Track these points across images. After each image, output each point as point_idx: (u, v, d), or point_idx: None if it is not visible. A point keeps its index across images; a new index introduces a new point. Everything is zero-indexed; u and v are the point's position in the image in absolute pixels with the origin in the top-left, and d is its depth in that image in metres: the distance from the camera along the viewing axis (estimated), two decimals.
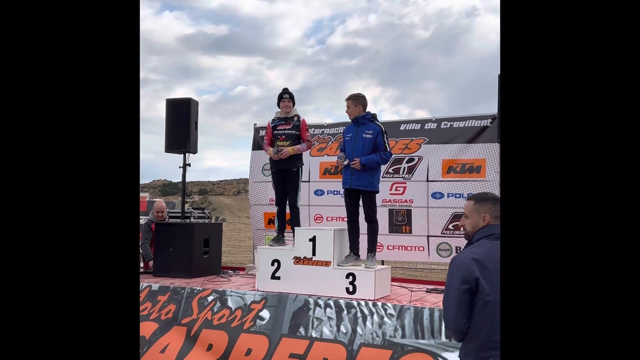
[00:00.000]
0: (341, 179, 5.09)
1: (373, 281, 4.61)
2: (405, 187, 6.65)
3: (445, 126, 6.61)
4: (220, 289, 5.03)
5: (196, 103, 6.49)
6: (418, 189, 6.57)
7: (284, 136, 5.47)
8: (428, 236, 6.55)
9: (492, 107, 6.32)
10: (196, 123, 6.44)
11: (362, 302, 4.42)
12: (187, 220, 6.31)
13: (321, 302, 4.53)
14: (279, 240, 5.48)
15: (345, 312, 4.41)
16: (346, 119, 5.17)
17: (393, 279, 5.31)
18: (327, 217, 7.09)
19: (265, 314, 4.65)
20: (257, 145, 7.61)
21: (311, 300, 4.57)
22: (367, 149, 4.89)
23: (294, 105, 5.59)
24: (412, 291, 5.02)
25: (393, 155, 6.40)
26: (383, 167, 5.87)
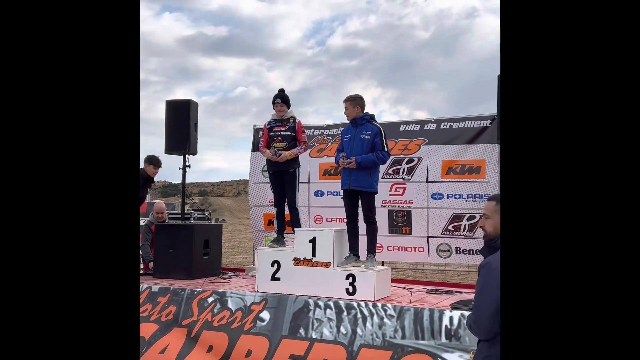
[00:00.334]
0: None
1: (373, 282, 4.61)
2: (405, 188, 6.65)
3: (444, 127, 6.61)
4: (221, 290, 5.03)
5: (196, 104, 6.50)
6: (418, 189, 6.57)
7: (280, 138, 5.48)
8: (428, 237, 6.55)
9: (491, 107, 6.32)
10: (196, 124, 6.44)
11: (362, 303, 4.42)
12: (187, 222, 6.32)
13: (321, 303, 4.53)
14: (279, 241, 5.48)
15: (345, 313, 4.41)
16: (346, 120, 5.17)
17: (393, 280, 5.31)
18: (327, 218, 7.09)
19: (266, 315, 4.65)
20: (256, 147, 7.60)
21: (311, 302, 4.57)
22: (366, 150, 4.89)
23: (289, 108, 5.59)
24: (412, 292, 5.02)
25: (393, 157, 6.40)
26: (383, 168, 5.87)
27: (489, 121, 6.32)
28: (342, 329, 4.33)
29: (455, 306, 4.24)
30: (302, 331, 4.44)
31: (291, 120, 5.54)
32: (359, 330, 4.28)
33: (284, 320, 4.56)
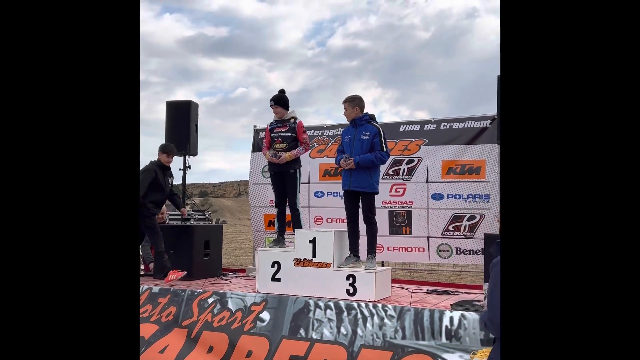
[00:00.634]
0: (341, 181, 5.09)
1: (373, 282, 4.61)
2: (405, 189, 6.65)
3: (444, 127, 6.61)
4: (221, 291, 5.03)
5: (196, 105, 6.51)
6: (418, 190, 6.57)
7: (280, 139, 5.48)
8: (428, 237, 6.55)
9: (491, 108, 6.32)
10: (196, 125, 6.46)
11: (363, 304, 4.42)
12: (188, 223, 6.32)
13: (321, 304, 4.53)
14: (279, 242, 5.48)
15: (345, 313, 4.41)
16: (346, 120, 5.17)
17: (393, 280, 5.31)
18: (327, 219, 7.09)
19: (266, 315, 4.65)
20: (257, 147, 7.61)
21: (311, 302, 4.57)
22: (365, 150, 4.89)
23: (286, 109, 5.57)
24: (412, 292, 5.03)
25: (393, 157, 6.40)
26: (383, 168, 5.86)
27: (489, 121, 6.32)
28: (343, 330, 4.34)
29: (455, 306, 4.24)
30: (302, 332, 4.44)
31: (292, 120, 5.54)
32: (359, 331, 4.28)
33: (284, 320, 4.56)
